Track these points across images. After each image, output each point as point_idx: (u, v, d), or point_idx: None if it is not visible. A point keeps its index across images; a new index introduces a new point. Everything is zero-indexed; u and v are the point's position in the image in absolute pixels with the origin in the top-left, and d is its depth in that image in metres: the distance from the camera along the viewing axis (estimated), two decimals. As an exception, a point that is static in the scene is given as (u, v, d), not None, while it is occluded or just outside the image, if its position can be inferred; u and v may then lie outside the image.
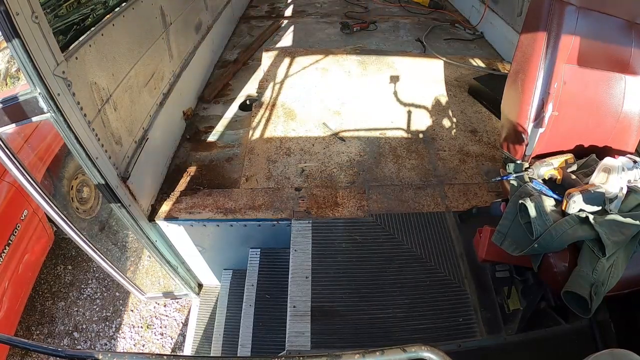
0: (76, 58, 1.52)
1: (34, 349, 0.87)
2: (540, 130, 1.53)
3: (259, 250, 2.26)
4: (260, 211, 2.10)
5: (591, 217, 1.29)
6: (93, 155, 1.57)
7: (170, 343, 2.75)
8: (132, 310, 2.91)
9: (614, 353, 0.81)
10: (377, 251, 1.92)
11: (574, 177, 1.48)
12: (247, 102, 3.00)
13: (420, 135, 2.59)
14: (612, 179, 1.32)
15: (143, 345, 2.74)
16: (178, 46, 2.59)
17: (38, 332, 2.81)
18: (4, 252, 2.45)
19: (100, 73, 1.70)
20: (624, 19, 1.50)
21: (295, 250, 1.92)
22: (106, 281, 3.07)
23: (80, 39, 1.61)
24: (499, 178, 1.61)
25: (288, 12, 4.48)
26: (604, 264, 1.24)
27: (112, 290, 3.03)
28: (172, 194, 2.22)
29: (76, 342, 2.75)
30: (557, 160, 1.51)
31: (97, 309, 2.92)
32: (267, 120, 2.69)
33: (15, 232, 2.56)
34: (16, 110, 1.37)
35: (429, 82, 3.00)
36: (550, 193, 1.43)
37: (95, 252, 1.95)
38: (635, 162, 1.36)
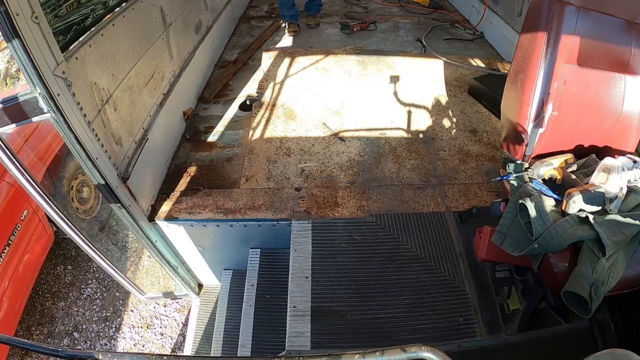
0: (76, 58, 1.52)
1: (34, 349, 0.87)
2: (540, 130, 1.53)
3: (259, 250, 2.26)
4: (260, 211, 2.10)
5: (591, 217, 1.29)
6: (93, 155, 1.57)
7: (170, 343, 2.75)
8: (132, 311, 2.91)
9: (614, 353, 0.81)
10: (377, 251, 1.92)
11: (574, 177, 1.48)
12: (247, 102, 3.00)
13: (420, 135, 2.59)
14: (612, 179, 1.32)
15: (143, 346, 2.75)
16: (178, 46, 2.59)
17: (38, 332, 2.81)
18: (4, 252, 2.45)
19: (100, 73, 1.70)
20: (624, 19, 1.50)
21: (295, 251, 1.92)
22: (106, 281, 3.08)
23: (80, 39, 1.61)
24: (499, 178, 1.61)
25: (288, 12, 4.48)
26: (604, 264, 1.24)
27: (112, 291, 3.03)
28: (172, 194, 2.22)
29: (76, 342, 2.75)
30: (557, 160, 1.51)
31: (97, 309, 2.92)
32: (267, 121, 2.69)
33: (15, 232, 2.56)
34: (16, 111, 1.37)
35: (429, 82, 3.00)
36: (550, 193, 1.43)
37: (95, 252, 1.95)
38: (635, 162, 1.36)
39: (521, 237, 1.40)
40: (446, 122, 2.69)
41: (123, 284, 2.28)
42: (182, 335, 2.75)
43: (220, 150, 2.54)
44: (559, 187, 1.47)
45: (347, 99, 2.85)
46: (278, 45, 3.73)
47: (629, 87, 1.52)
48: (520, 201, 1.39)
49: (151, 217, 2.08)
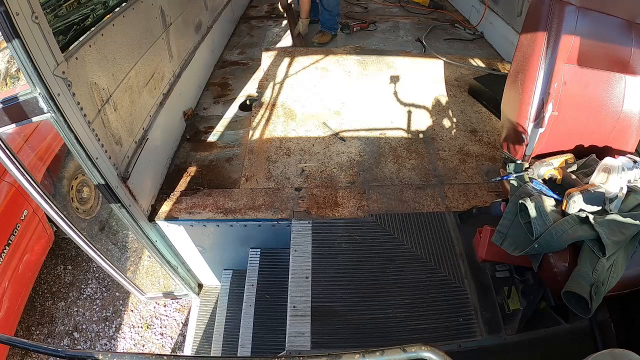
0: (76, 58, 1.52)
1: (34, 349, 0.87)
2: (540, 130, 1.53)
3: (259, 250, 2.26)
4: (260, 211, 2.10)
5: (591, 217, 1.29)
6: (93, 155, 1.57)
7: (170, 343, 2.75)
8: (132, 310, 2.91)
9: (614, 353, 0.81)
10: (377, 251, 1.92)
11: (574, 177, 1.48)
12: (247, 102, 3.00)
13: (420, 135, 2.59)
14: (612, 179, 1.32)
15: (143, 345, 2.75)
16: (178, 46, 2.59)
17: (38, 332, 2.81)
18: (4, 252, 2.45)
19: (100, 73, 1.70)
20: (624, 19, 1.50)
21: (295, 251, 1.92)
22: (106, 281, 3.08)
23: (80, 39, 1.61)
24: (499, 178, 1.61)
25: (288, 12, 4.48)
26: (604, 264, 1.24)
27: (112, 290, 3.03)
28: (172, 194, 2.22)
29: (76, 342, 2.75)
30: (557, 160, 1.51)
31: (97, 309, 2.93)
32: (267, 120, 2.69)
33: (15, 232, 2.56)
34: (16, 110, 1.37)
35: (429, 82, 3.00)
36: (550, 193, 1.43)
37: (95, 252, 1.95)
38: (635, 162, 1.36)
39: (521, 237, 1.40)
40: (446, 122, 2.69)
41: (123, 284, 2.28)
42: (182, 335, 2.75)
43: (220, 150, 2.54)
44: (559, 187, 1.47)
45: (347, 98, 2.85)
46: (278, 45, 3.74)
47: (629, 87, 1.52)
48: (520, 201, 1.39)
49: (151, 217, 2.08)
